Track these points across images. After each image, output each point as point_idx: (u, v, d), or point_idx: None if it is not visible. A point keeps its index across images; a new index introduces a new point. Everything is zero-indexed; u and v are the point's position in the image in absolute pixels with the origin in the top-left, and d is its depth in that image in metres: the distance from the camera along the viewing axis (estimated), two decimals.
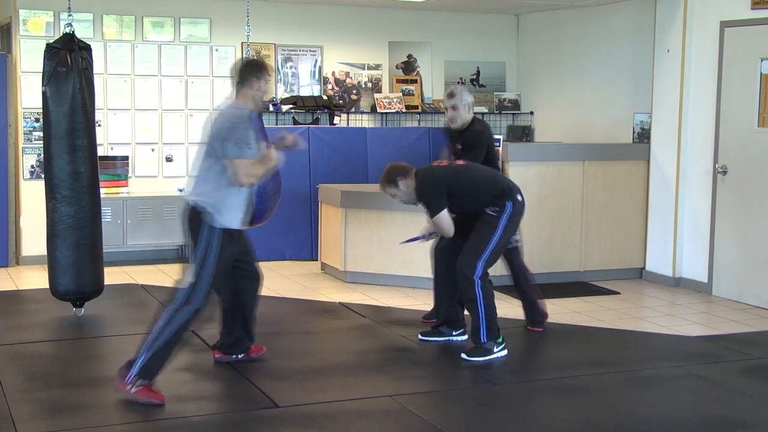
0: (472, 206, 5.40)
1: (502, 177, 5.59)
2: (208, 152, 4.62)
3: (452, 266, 5.42)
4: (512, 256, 5.98)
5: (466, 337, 5.68)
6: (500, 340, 5.37)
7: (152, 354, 4.49)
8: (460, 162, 5.59)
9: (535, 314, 6.05)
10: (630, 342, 5.95)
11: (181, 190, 8.60)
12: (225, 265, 4.68)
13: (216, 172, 4.58)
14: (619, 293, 7.32)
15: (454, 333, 5.74)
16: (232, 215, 4.65)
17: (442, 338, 5.73)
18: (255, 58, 5.02)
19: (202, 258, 4.57)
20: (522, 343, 5.81)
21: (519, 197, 5.39)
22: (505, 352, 5.38)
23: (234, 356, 5.16)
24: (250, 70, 4.70)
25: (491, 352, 5.30)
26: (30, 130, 8.15)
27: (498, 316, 5.41)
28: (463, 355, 5.32)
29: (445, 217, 5.29)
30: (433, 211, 5.30)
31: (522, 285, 6.05)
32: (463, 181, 5.38)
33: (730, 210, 7.14)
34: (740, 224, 7.05)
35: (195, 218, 4.61)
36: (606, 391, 4.90)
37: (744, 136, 6.99)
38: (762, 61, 6.84)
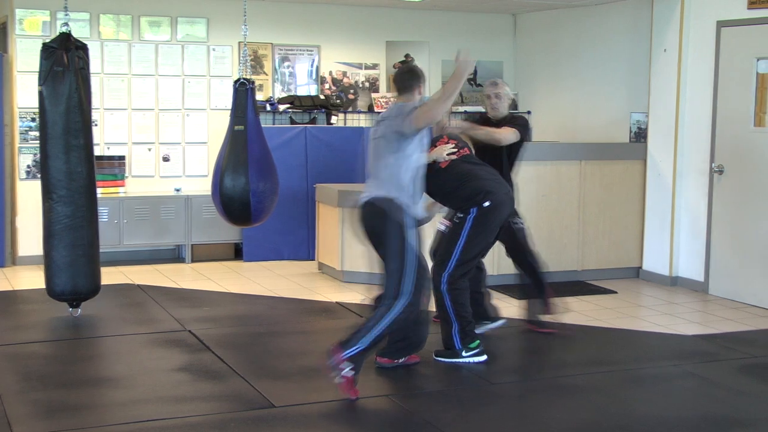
0: (446, 198, 5.40)
1: (481, 180, 5.37)
2: (384, 148, 4.79)
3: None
4: (515, 237, 5.88)
5: (498, 323, 5.82)
6: (474, 344, 5.31)
7: (367, 345, 4.64)
8: (465, 152, 5.50)
9: (533, 309, 5.93)
10: (627, 341, 5.96)
11: (178, 190, 8.60)
12: (418, 253, 4.79)
13: (394, 166, 4.75)
14: (616, 292, 7.33)
15: (484, 323, 5.81)
16: (413, 204, 4.80)
17: (481, 330, 5.77)
18: (411, 64, 5.19)
19: (399, 249, 4.69)
20: (520, 343, 5.82)
21: (487, 203, 5.25)
22: (482, 358, 5.29)
23: (398, 360, 5.13)
24: (414, 78, 4.93)
25: (459, 356, 5.27)
26: (26, 130, 8.14)
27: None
28: (434, 356, 5.34)
29: None
30: None
31: (522, 263, 5.97)
32: (445, 170, 5.36)
33: (726, 209, 7.15)
34: (737, 223, 7.05)
35: (378, 213, 4.73)
36: (603, 390, 4.90)
37: (740, 135, 6.99)
38: (758, 60, 6.84)
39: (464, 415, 4.47)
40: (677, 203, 7.56)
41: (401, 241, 4.71)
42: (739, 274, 7.04)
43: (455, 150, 5.40)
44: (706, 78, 7.25)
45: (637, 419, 4.42)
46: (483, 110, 6.03)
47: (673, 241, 7.60)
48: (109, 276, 7.25)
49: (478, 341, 5.32)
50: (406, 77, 4.96)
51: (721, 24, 7.12)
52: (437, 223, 5.90)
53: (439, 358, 5.32)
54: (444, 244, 5.43)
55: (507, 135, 5.72)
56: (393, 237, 4.72)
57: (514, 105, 9.68)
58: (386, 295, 4.75)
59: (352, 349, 4.60)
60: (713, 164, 7.23)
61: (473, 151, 5.67)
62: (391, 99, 9.28)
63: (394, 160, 4.78)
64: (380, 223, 4.76)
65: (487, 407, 4.62)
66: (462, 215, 5.30)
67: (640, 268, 7.92)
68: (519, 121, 5.91)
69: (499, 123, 5.85)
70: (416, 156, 4.84)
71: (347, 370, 4.57)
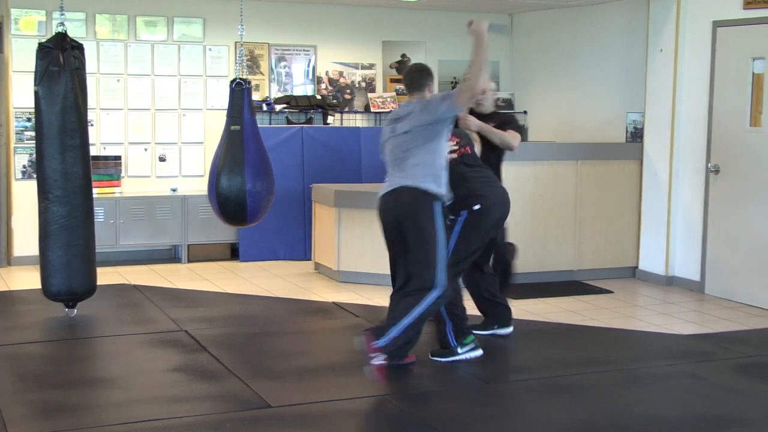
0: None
1: (473, 183, 5.42)
2: (412, 141, 4.82)
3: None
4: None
5: (507, 330, 5.85)
6: (468, 340, 5.33)
7: (397, 336, 4.70)
8: (465, 150, 5.53)
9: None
10: (623, 340, 5.96)
11: (174, 190, 8.59)
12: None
13: (425, 157, 4.80)
14: (612, 292, 7.34)
15: (496, 327, 5.85)
16: (444, 193, 4.87)
17: (487, 331, 5.84)
18: (420, 63, 5.25)
19: (432, 238, 4.74)
20: (516, 342, 5.82)
21: (477, 206, 5.31)
22: (478, 353, 5.31)
23: (395, 360, 5.08)
24: (427, 76, 5.00)
25: (455, 353, 5.29)
26: (22, 130, 8.13)
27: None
28: (430, 355, 5.34)
29: None
30: None
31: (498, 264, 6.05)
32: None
33: (722, 209, 7.15)
34: (732, 223, 7.06)
35: (410, 202, 4.77)
36: (599, 389, 4.90)
37: (736, 135, 7.00)
38: (754, 60, 6.85)
39: (461, 415, 4.47)
40: (673, 203, 7.57)
41: (434, 231, 4.74)
42: (735, 273, 7.05)
43: (456, 148, 5.41)
44: (702, 78, 7.26)
45: (634, 419, 4.42)
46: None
47: (669, 240, 7.60)
48: (105, 276, 7.24)
49: (472, 337, 5.33)
50: (418, 76, 5.00)
51: (717, 24, 7.12)
52: None
53: (436, 358, 5.32)
54: None
55: (517, 140, 5.84)
56: (426, 226, 4.76)
57: (509, 104, 9.69)
58: (416, 286, 4.75)
59: (382, 339, 4.65)
60: (709, 164, 7.24)
61: (474, 148, 5.69)
62: (388, 99, 9.29)
63: (424, 151, 4.81)
64: (412, 212, 4.79)
65: (483, 407, 4.62)
66: (453, 217, 5.31)
67: (636, 267, 7.93)
68: (516, 123, 5.99)
69: (484, 118, 5.90)
70: (444, 145, 4.89)
71: (378, 360, 4.62)
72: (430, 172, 4.81)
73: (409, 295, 4.78)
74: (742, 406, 4.67)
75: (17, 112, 8.12)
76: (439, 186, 4.84)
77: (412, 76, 5.03)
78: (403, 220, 4.84)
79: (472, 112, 6.00)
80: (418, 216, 4.79)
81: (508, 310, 5.91)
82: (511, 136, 5.80)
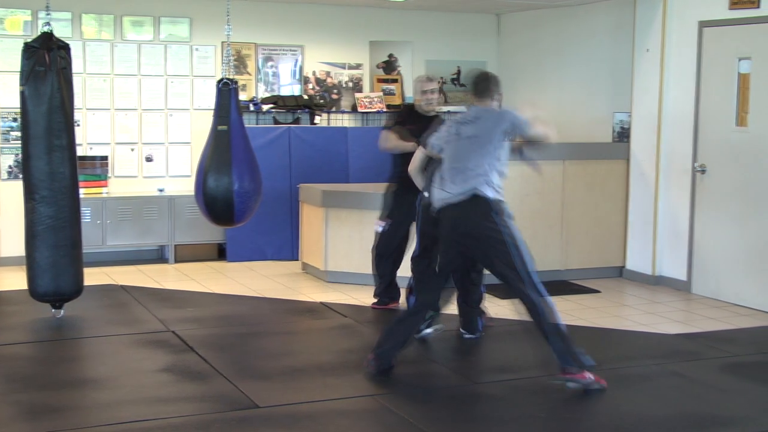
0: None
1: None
2: (480, 147, 4.93)
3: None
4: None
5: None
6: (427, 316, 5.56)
7: (562, 344, 4.78)
8: None
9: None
10: (610, 340, 5.98)
11: (161, 190, 8.57)
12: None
13: (490, 164, 4.91)
14: (599, 292, 7.36)
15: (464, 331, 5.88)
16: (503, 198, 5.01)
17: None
18: (487, 71, 5.35)
19: (517, 245, 4.85)
20: (502, 342, 5.83)
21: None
22: (436, 326, 5.68)
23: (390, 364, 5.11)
24: (495, 84, 5.21)
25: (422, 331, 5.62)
26: (7, 130, 8.09)
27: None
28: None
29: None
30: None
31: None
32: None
33: (708, 208, 7.19)
34: (719, 223, 7.10)
35: (477, 216, 4.84)
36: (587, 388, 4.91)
37: (722, 135, 7.04)
38: (740, 60, 6.89)
39: (449, 414, 4.47)
40: (660, 203, 7.60)
41: (503, 239, 4.82)
42: (722, 273, 7.08)
43: None
44: (689, 78, 7.29)
45: (621, 418, 4.44)
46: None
47: (655, 240, 7.63)
48: (92, 277, 7.21)
49: (431, 313, 5.55)
50: (487, 85, 5.16)
51: (703, 24, 7.16)
52: (375, 225, 6.31)
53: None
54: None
55: None
56: (494, 239, 4.83)
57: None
58: (527, 304, 4.85)
59: (564, 360, 4.74)
60: (696, 164, 7.27)
61: None
62: (375, 98, 9.29)
63: (491, 158, 4.91)
64: (472, 228, 4.86)
65: (471, 407, 4.63)
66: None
67: (623, 267, 7.96)
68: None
69: (427, 120, 6.01)
70: (505, 151, 5.03)
71: (593, 382, 4.73)
72: (490, 181, 4.89)
73: (530, 314, 4.87)
74: (728, 405, 4.70)
75: (3, 112, 8.08)
76: (498, 191, 4.93)
77: (482, 82, 5.17)
78: (466, 237, 4.90)
79: (413, 110, 6.15)
80: (481, 233, 4.85)
81: (477, 319, 5.87)
82: None
